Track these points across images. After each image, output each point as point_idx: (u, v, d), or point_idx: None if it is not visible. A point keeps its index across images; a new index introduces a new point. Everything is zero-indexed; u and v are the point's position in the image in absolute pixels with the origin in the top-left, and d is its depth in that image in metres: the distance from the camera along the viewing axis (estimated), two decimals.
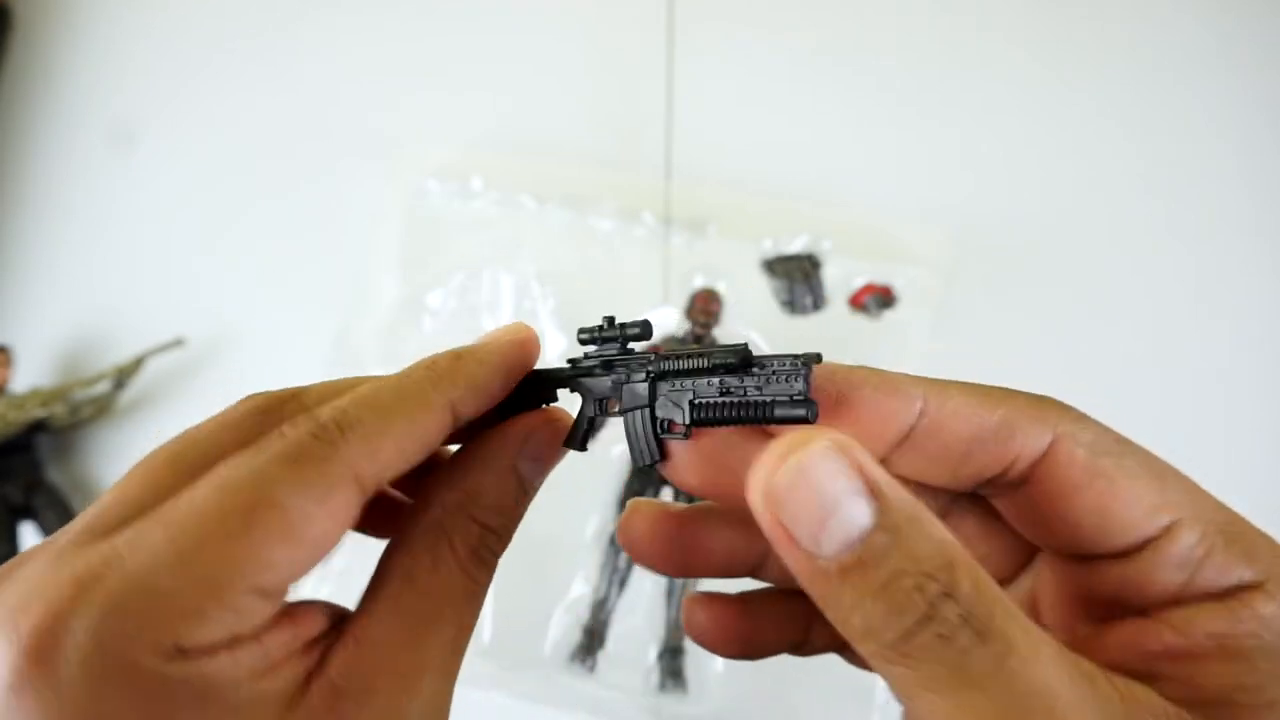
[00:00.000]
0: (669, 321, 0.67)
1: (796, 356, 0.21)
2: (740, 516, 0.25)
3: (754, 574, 0.27)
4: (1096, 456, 0.21)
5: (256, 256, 0.79)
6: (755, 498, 0.19)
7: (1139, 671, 0.19)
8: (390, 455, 0.22)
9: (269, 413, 0.23)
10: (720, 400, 0.22)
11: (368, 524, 0.26)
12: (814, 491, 0.18)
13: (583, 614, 0.60)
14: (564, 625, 0.60)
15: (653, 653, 0.59)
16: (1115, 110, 0.73)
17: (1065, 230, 0.71)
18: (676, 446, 0.24)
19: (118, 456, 0.77)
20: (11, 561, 0.20)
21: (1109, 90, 0.74)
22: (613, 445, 0.64)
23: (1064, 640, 0.18)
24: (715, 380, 0.23)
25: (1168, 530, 0.20)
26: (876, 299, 0.66)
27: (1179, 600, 0.20)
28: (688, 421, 0.23)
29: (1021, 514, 0.23)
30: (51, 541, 0.20)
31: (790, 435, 0.19)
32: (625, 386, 0.25)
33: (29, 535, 0.73)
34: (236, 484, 0.20)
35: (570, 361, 0.27)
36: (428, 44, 0.81)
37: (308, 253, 0.77)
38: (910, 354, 0.65)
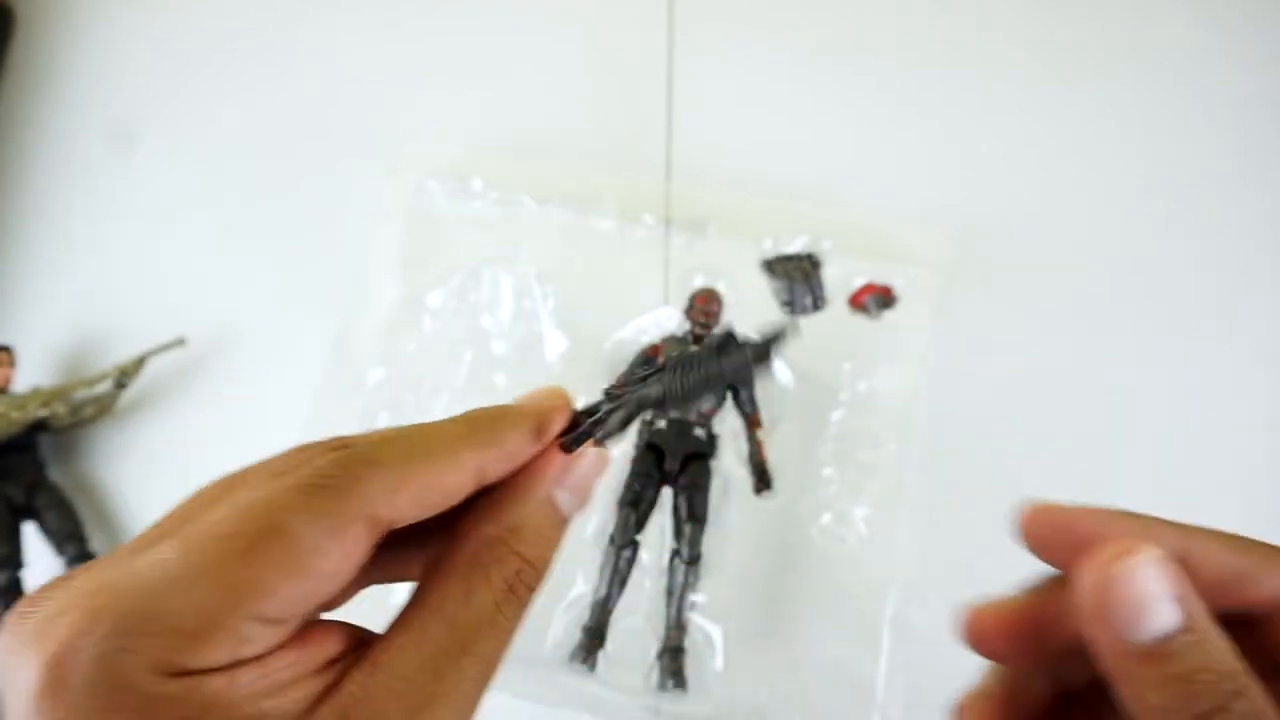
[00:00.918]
0: (669, 321, 0.68)
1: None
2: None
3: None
4: None
5: (257, 256, 0.79)
6: (1084, 589, 0.22)
7: None
8: (407, 502, 0.22)
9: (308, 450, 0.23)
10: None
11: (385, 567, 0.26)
12: (1135, 588, 0.21)
13: (583, 613, 0.60)
14: (564, 624, 0.60)
15: (653, 652, 0.60)
16: (1115, 110, 0.73)
17: (1065, 230, 0.71)
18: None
19: (119, 456, 0.77)
20: (49, 583, 0.20)
21: (1109, 90, 0.74)
22: (612, 446, 0.64)
23: None
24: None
25: None
26: (876, 299, 0.66)
27: None
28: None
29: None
30: (91, 566, 0.20)
31: (1121, 543, 0.22)
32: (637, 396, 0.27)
33: (31, 535, 0.73)
34: (250, 507, 0.20)
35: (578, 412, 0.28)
36: (428, 44, 0.81)
37: (308, 253, 0.77)
38: (910, 354, 0.65)
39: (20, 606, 0.20)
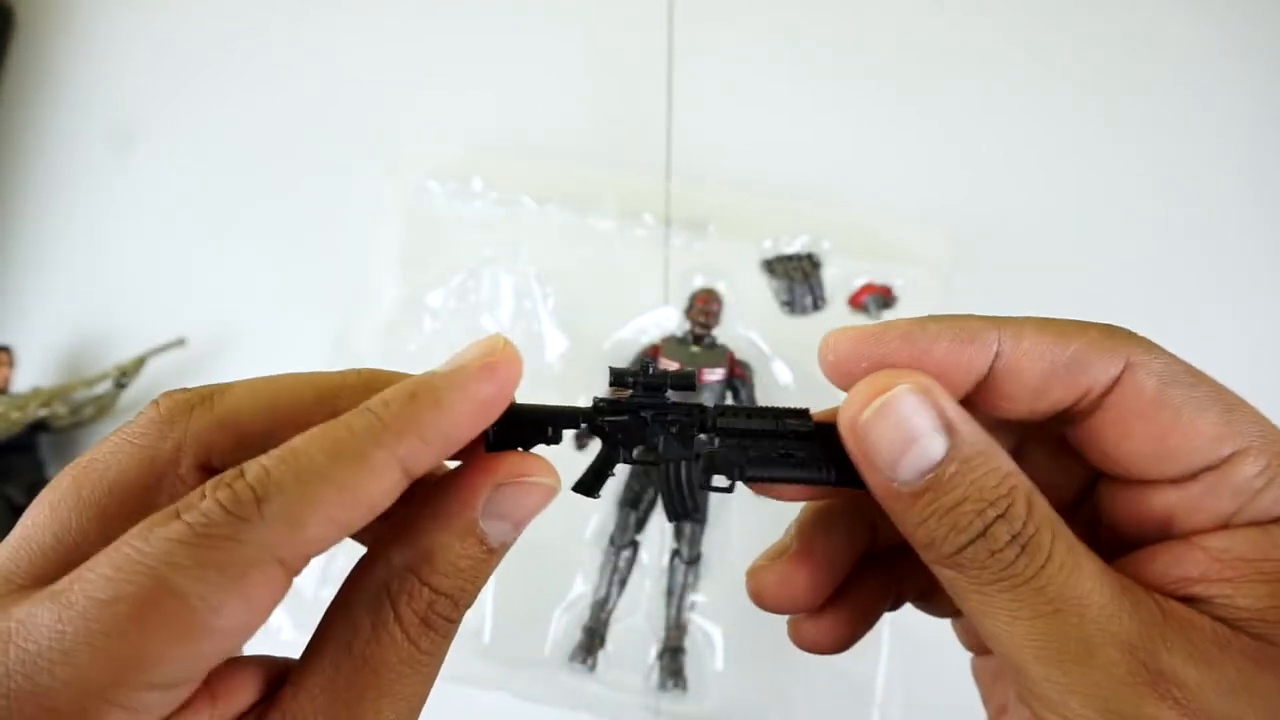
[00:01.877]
0: (669, 321, 0.68)
1: None
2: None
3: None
4: (1165, 386, 0.22)
5: (257, 256, 0.79)
6: (844, 430, 0.22)
7: (1177, 594, 0.21)
8: (319, 531, 0.19)
9: (174, 423, 0.21)
10: (777, 457, 0.24)
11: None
12: (895, 426, 0.21)
13: (583, 613, 0.60)
14: (564, 624, 0.60)
15: (653, 652, 0.60)
16: (1116, 110, 0.73)
17: (1065, 230, 0.71)
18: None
19: None
20: None
21: (1109, 90, 0.74)
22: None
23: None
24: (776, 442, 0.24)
25: (1230, 459, 0.21)
26: (876, 299, 0.66)
27: (1222, 527, 0.21)
28: (736, 478, 0.24)
29: (1089, 441, 0.23)
30: None
31: (877, 375, 0.21)
32: (666, 436, 0.24)
33: None
34: (132, 567, 0.17)
35: (597, 400, 0.25)
36: (428, 44, 0.81)
37: (308, 253, 0.77)
38: None
39: None
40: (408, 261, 0.70)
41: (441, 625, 0.21)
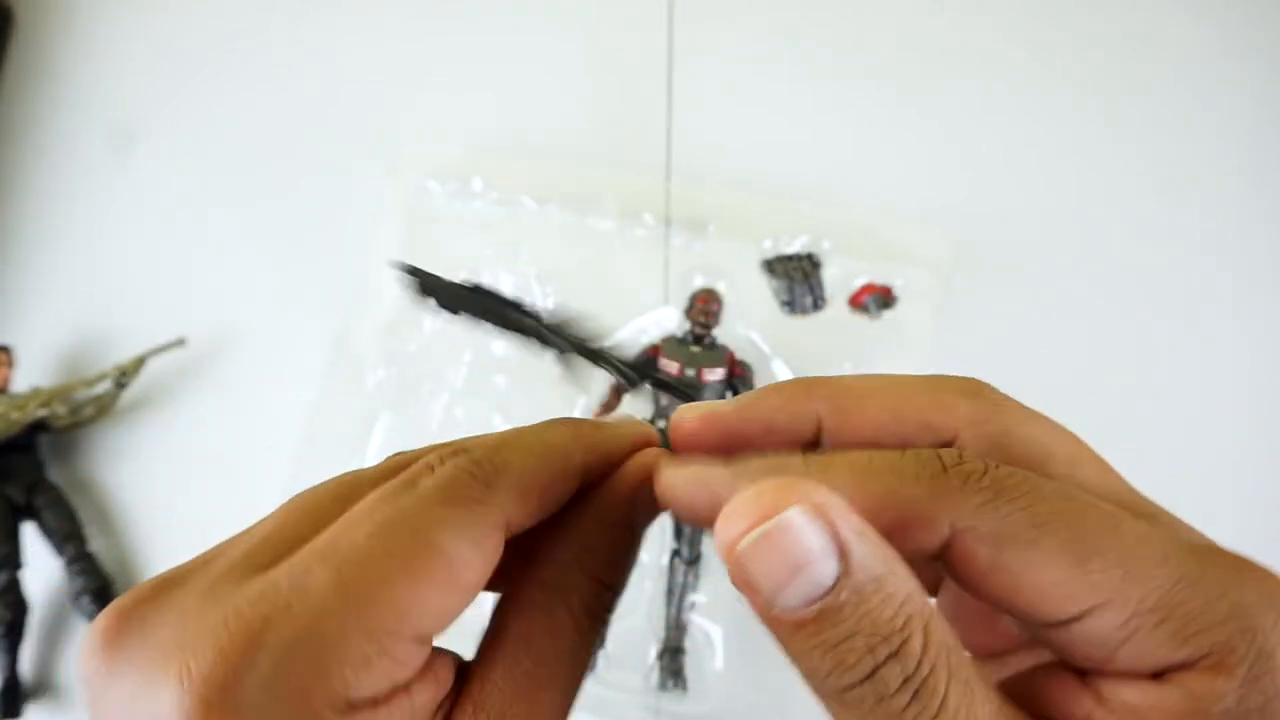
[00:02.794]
0: (669, 321, 0.68)
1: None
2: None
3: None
4: (1000, 551, 0.19)
5: (257, 256, 0.79)
6: (721, 551, 0.19)
7: None
8: (534, 506, 0.22)
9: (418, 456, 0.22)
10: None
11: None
12: (781, 554, 0.18)
13: None
14: None
15: (652, 652, 0.60)
16: (1117, 110, 0.73)
17: (1066, 230, 0.71)
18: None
19: (119, 456, 0.77)
20: (152, 585, 0.19)
21: (1110, 90, 0.74)
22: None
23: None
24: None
25: (1087, 613, 0.19)
26: (876, 299, 0.66)
27: (1104, 671, 0.19)
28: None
29: (951, 570, 0.21)
30: (201, 568, 0.19)
31: (765, 487, 0.18)
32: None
33: (30, 535, 0.73)
34: (397, 522, 0.19)
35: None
36: (428, 44, 0.81)
37: (308, 253, 0.77)
38: (909, 354, 0.65)
39: (120, 615, 0.18)
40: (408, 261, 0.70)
41: (603, 615, 0.23)
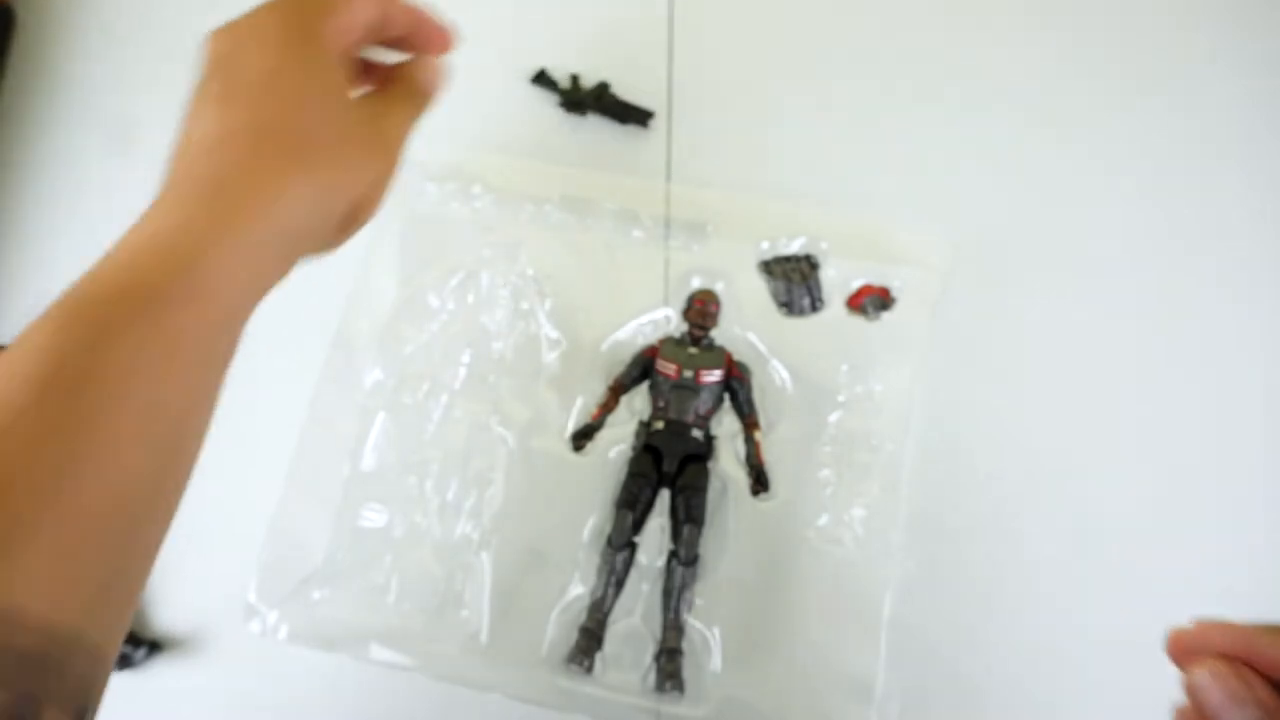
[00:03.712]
0: (667, 323, 0.68)
1: None
2: None
3: None
4: None
5: None
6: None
7: None
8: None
9: None
10: None
11: None
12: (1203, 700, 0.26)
13: (580, 615, 0.60)
14: (561, 626, 0.60)
15: (650, 654, 0.60)
16: (1118, 114, 0.74)
17: (1065, 232, 0.71)
18: None
19: None
20: None
21: (1111, 92, 0.74)
22: (611, 447, 0.64)
23: None
24: None
25: None
26: (874, 300, 0.66)
27: None
28: None
29: None
30: None
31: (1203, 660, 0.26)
32: None
33: None
34: None
35: None
36: None
37: None
38: (907, 356, 0.65)
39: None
40: (407, 261, 0.70)
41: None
